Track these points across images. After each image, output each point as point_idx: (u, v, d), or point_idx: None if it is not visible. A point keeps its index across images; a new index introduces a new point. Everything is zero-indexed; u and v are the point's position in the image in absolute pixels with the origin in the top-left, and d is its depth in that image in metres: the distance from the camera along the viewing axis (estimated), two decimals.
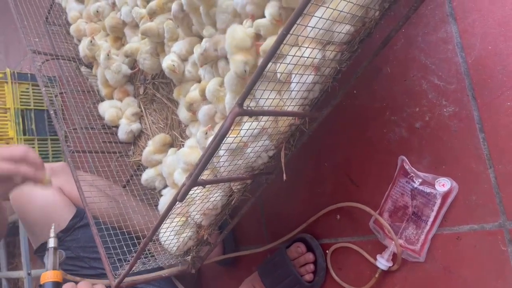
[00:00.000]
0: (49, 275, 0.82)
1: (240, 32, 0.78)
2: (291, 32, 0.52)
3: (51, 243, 0.86)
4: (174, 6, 0.97)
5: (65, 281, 0.84)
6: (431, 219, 0.86)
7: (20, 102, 1.86)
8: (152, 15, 1.07)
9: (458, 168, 0.84)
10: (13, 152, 0.84)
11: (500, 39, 0.79)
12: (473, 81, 0.82)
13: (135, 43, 1.16)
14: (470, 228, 0.82)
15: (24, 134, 1.84)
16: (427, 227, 0.86)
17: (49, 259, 0.84)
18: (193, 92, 0.98)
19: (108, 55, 1.21)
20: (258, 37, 0.79)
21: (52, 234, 0.87)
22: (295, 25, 0.51)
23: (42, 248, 1.11)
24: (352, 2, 0.63)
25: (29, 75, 1.94)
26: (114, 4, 1.24)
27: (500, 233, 0.79)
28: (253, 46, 0.78)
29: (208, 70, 0.94)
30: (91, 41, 1.24)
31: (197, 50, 0.92)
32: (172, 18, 1.03)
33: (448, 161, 0.85)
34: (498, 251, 0.79)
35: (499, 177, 0.79)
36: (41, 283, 0.81)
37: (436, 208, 0.85)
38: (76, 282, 0.84)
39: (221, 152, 0.77)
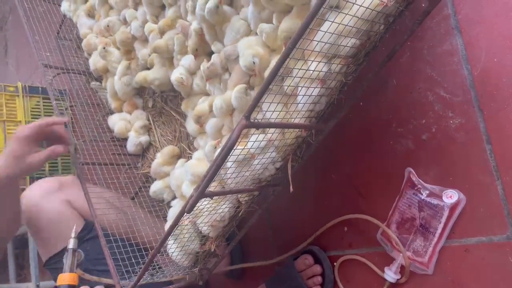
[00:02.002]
0: (65, 277, 0.83)
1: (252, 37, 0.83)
2: (297, 46, 0.53)
3: (71, 244, 0.87)
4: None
5: (82, 282, 0.85)
6: (439, 231, 0.86)
7: (31, 115, 1.89)
8: (162, 33, 1.10)
9: (465, 180, 0.84)
10: (34, 124, 0.94)
11: (505, 51, 0.79)
12: (479, 93, 0.82)
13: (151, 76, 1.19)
14: (478, 240, 0.82)
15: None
16: (435, 239, 0.86)
17: (67, 260, 0.86)
18: (201, 105, 0.99)
19: (129, 65, 1.24)
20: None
21: (73, 234, 0.88)
22: (301, 39, 0.53)
23: (52, 261, 1.12)
24: (357, 17, 0.64)
25: (40, 88, 1.97)
26: (124, 19, 1.26)
27: (509, 245, 0.78)
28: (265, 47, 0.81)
29: (217, 87, 0.96)
30: (104, 48, 1.26)
31: (204, 64, 0.94)
32: (180, 32, 1.05)
33: (455, 173, 0.85)
34: (507, 264, 0.78)
35: (506, 189, 0.79)
36: (57, 284, 0.82)
37: (443, 220, 0.85)
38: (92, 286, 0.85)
39: (228, 164, 0.78)
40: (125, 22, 1.28)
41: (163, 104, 1.27)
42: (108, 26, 1.30)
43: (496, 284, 0.79)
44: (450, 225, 0.85)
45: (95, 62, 1.34)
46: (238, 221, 0.91)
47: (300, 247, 1.07)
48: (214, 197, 0.75)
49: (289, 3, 0.73)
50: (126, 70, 1.25)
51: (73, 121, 1.54)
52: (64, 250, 1.09)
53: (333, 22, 0.62)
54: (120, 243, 0.97)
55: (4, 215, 1.01)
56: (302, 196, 1.12)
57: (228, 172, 0.78)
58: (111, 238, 0.98)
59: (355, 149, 1.01)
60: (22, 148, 0.90)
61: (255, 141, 0.74)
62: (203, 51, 1.02)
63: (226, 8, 0.89)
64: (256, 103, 0.57)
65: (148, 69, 1.21)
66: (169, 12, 1.08)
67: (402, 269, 0.90)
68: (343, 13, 0.63)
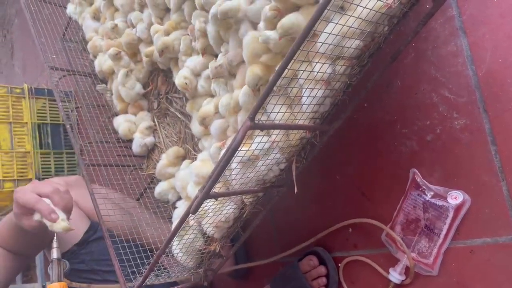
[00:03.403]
0: (55, 287, 0.83)
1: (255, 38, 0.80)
2: (301, 47, 0.53)
3: (54, 254, 0.88)
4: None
5: None
6: (443, 232, 0.86)
7: (37, 116, 1.91)
8: (167, 35, 1.10)
9: (470, 181, 0.84)
10: (41, 189, 0.89)
11: (510, 52, 0.79)
12: (484, 94, 0.82)
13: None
14: (483, 241, 0.82)
15: (41, 148, 1.88)
16: (440, 240, 0.86)
17: (53, 270, 0.86)
18: (206, 107, 0.99)
19: (128, 73, 1.25)
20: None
21: (54, 244, 0.88)
22: (305, 41, 0.53)
23: None
24: (361, 18, 0.64)
25: (46, 90, 1.98)
26: (130, 22, 1.27)
27: None
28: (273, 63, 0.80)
29: (223, 88, 0.96)
30: (116, 54, 1.26)
31: (212, 64, 0.94)
32: (188, 34, 1.05)
33: (460, 174, 0.85)
34: None
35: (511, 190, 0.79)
36: None
37: (448, 221, 0.85)
38: None
39: (233, 165, 0.78)
40: (130, 25, 1.28)
41: (168, 105, 1.27)
42: (116, 24, 1.30)
43: (502, 285, 0.79)
44: (455, 226, 0.85)
45: (100, 63, 1.34)
46: (242, 222, 0.91)
47: (304, 245, 1.07)
48: (219, 198, 0.76)
49: (296, 2, 0.73)
50: (125, 78, 1.26)
51: (78, 123, 1.56)
52: (70, 250, 1.10)
53: (337, 23, 0.62)
54: (125, 244, 0.98)
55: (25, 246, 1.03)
56: (306, 197, 1.12)
57: (232, 173, 0.78)
58: (117, 239, 0.98)
59: (360, 150, 1.01)
60: (16, 209, 0.89)
61: (260, 142, 0.74)
62: (210, 51, 1.03)
63: None
64: (260, 105, 0.57)
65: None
66: (173, 16, 1.08)
67: (406, 270, 0.90)
68: (347, 14, 0.63)
